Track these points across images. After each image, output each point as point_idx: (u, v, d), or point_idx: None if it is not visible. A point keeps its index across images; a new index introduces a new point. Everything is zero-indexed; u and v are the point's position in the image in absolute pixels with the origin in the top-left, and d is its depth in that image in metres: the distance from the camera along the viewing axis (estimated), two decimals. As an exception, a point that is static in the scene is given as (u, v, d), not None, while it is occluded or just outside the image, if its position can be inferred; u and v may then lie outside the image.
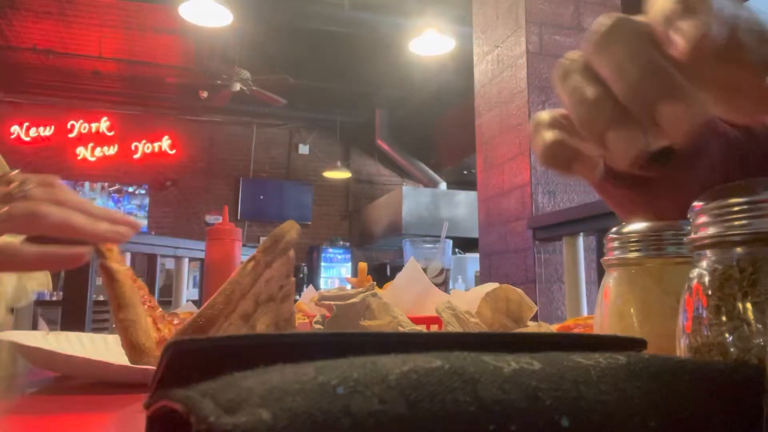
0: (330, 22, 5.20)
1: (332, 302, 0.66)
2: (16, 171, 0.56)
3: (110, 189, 7.14)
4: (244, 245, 1.23)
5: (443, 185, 7.41)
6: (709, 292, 0.25)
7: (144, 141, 7.22)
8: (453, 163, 7.24)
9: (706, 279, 0.26)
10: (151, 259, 2.19)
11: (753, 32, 0.25)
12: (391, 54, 5.53)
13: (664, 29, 0.25)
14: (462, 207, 6.62)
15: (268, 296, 0.48)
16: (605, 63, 0.26)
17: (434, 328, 0.72)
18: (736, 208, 0.24)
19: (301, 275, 6.98)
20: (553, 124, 0.31)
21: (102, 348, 0.65)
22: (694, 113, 0.24)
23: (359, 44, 5.63)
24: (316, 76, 6.37)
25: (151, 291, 2.17)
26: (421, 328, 0.66)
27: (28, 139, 6.86)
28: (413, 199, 6.63)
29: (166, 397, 0.15)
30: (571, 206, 2.44)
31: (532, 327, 0.63)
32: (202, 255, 1.72)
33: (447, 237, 1.03)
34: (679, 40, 0.23)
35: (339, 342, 0.19)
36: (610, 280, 0.40)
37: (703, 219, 0.26)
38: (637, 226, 0.37)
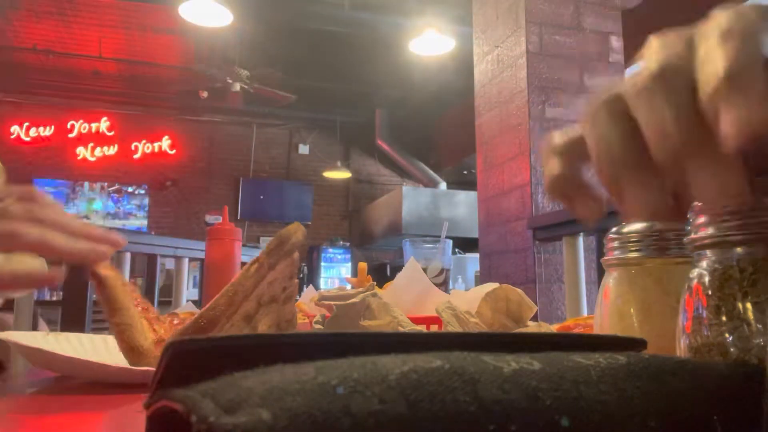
0: (330, 22, 5.20)
1: (332, 302, 0.66)
2: None
3: (110, 189, 7.14)
4: (244, 245, 1.23)
5: (443, 185, 7.40)
6: (709, 292, 0.25)
7: (144, 141, 7.22)
8: (453, 163, 7.24)
9: (706, 279, 0.26)
10: (151, 259, 2.19)
11: None
12: (391, 54, 5.53)
13: (709, 102, 0.22)
14: (462, 207, 6.62)
15: (270, 297, 0.48)
16: (643, 110, 0.24)
17: (434, 328, 0.72)
18: (736, 209, 0.24)
19: (301, 275, 6.98)
20: (564, 151, 0.29)
21: (102, 349, 0.65)
22: (728, 182, 0.23)
23: (359, 44, 5.63)
24: (316, 76, 6.37)
25: (151, 291, 2.17)
26: (421, 328, 0.66)
27: (28, 139, 6.86)
28: (413, 199, 6.62)
29: (166, 397, 0.15)
30: (571, 206, 2.43)
31: (532, 327, 0.63)
32: (202, 255, 1.72)
33: (447, 237, 1.03)
34: (725, 126, 0.21)
35: (339, 342, 0.19)
36: (610, 280, 0.40)
37: (703, 219, 0.26)
38: (637, 226, 0.37)
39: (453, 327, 0.60)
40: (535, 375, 0.18)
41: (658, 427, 0.19)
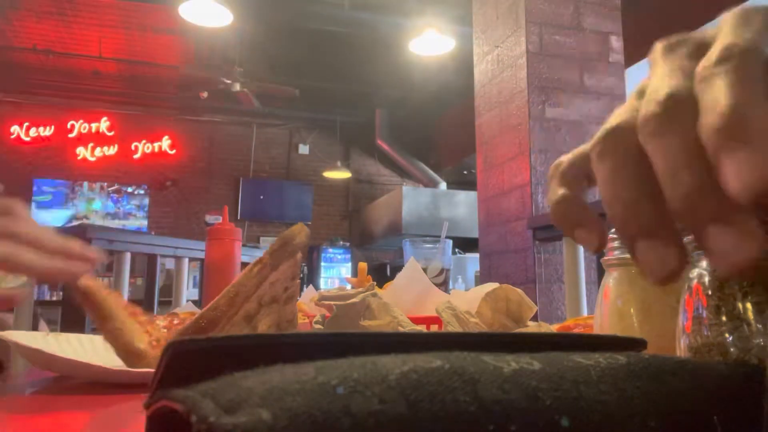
0: (330, 22, 5.20)
1: (332, 302, 0.66)
2: None
3: (109, 189, 7.14)
4: (244, 245, 1.23)
5: (443, 185, 7.41)
6: (709, 292, 0.25)
7: (144, 141, 7.22)
8: (453, 163, 7.24)
9: (706, 279, 0.26)
10: (151, 259, 2.19)
11: None
12: (391, 54, 5.53)
13: (713, 147, 0.19)
14: (462, 207, 6.63)
15: (272, 298, 0.48)
16: (655, 152, 0.21)
17: (434, 328, 0.72)
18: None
19: (302, 275, 6.96)
20: (568, 174, 0.28)
21: (101, 349, 0.65)
22: (750, 247, 0.20)
23: (359, 44, 5.63)
24: (316, 76, 6.37)
25: (151, 291, 2.17)
26: (421, 328, 0.66)
27: (28, 139, 6.86)
28: (413, 199, 6.63)
29: (166, 397, 0.15)
30: (571, 206, 2.43)
31: (532, 327, 0.63)
32: (202, 255, 1.72)
33: (447, 237, 1.03)
34: (730, 178, 0.19)
35: (339, 342, 0.19)
36: (610, 280, 0.40)
37: (703, 219, 0.26)
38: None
39: (453, 327, 0.60)
40: (535, 375, 0.18)
41: (658, 427, 0.19)
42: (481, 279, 3.21)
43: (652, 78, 0.23)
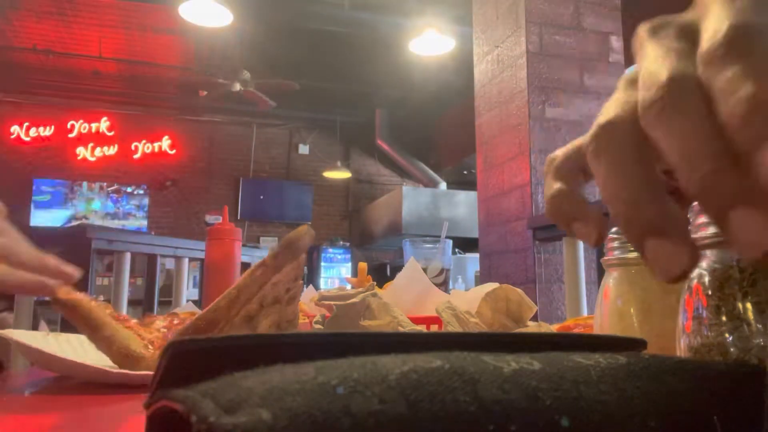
0: (330, 22, 5.20)
1: (332, 302, 0.66)
2: None
3: (109, 189, 7.14)
4: (244, 245, 1.23)
5: (443, 185, 7.41)
6: (709, 292, 0.25)
7: (144, 141, 7.22)
8: (453, 163, 7.24)
9: (706, 279, 0.26)
10: (151, 259, 2.19)
11: None
12: (391, 54, 5.53)
13: (745, 138, 0.18)
14: (462, 207, 6.63)
15: (273, 299, 0.48)
16: (668, 140, 0.20)
17: (434, 328, 0.72)
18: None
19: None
20: (563, 169, 0.27)
21: (102, 349, 0.65)
22: None
23: (359, 44, 5.63)
24: (316, 76, 6.37)
25: (151, 291, 2.17)
26: (421, 328, 0.66)
27: (28, 139, 6.86)
28: (413, 199, 6.63)
29: (166, 397, 0.15)
30: (571, 206, 2.43)
31: (532, 327, 0.63)
32: (202, 255, 1.72)
33: (447, 237, 1.03)
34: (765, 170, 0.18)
35: (339, 342, 0.19)
36: (610, 280, 0.40)
37: (703, 219, 0.26)
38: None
39: (453, 327, 0.60)
40: (535, 375, 0.18)
41: (658, 427, 0.19)
42: (481, 279, 3.21)
43: (643, 62, 0.22)
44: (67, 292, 0.54)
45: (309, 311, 0.94)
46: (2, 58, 6.09)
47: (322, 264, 7.39)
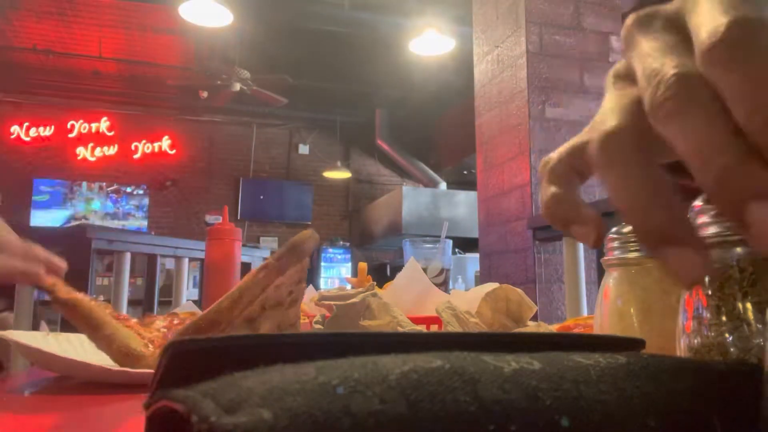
0: (330, 22, 5.20)
1: (332, 302, 0.66)
2: None
3: (108, 189, 7.14)
4: (244, 245, 1.23)
5: (443, 185, 7.41)
6: (709, 292, 0.25)
7: (144, 141, 7.22)
8: (453, 163, 7.24)
9: (706, 279, 0.26)
10: (151, 259, 2.19)
11: None
12: (391, 54, 5.53)
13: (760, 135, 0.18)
14: (462, 207, 6.63)
15: (276, 301, 0.48)
16: (682, 138, 0.20)
17: (434, 328, 0.72)
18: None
19: (302, 276, 6.96)
20: (557, 171, 0.27)
21: (102, 349, 0.65)
22: None
23: (359, 44, 5.63)
24: (316, 76, 6.37)
25: (151, 291, 2.17)
26: (421, 328, 0.66)
27: (28, 139, 6.86)
28: (413, 199, 6.63)
29: (166, 397, 0.15)
30: (571, 206, 2.43)
31: (532, 327, 0.63)
32: (202, 255, 1.72)
33: (447, 237, 1.03)
34: None
35: (339, 342, 0.19)
36: (610, 280, 0.40)
37: (703, 219, 0.26)
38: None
39: (453, 327, 0.60)
40: (535, 375, 0.18)
41: (658, 427, 0.19)
42: (481, 279, 3.21)
43: (638, 56, 0.22)
44: (67, 292, 0.54)
45: (309, 311, 0.94)
46: (2, 58, 6.09)
47: (322, 264, 7.39)
